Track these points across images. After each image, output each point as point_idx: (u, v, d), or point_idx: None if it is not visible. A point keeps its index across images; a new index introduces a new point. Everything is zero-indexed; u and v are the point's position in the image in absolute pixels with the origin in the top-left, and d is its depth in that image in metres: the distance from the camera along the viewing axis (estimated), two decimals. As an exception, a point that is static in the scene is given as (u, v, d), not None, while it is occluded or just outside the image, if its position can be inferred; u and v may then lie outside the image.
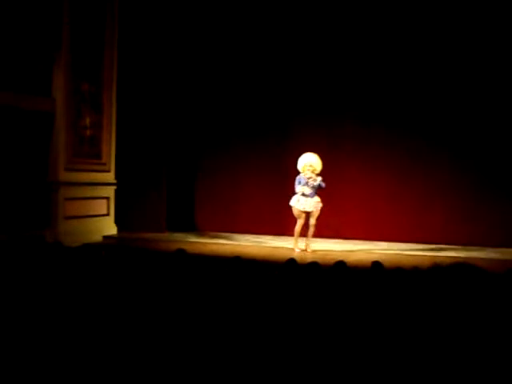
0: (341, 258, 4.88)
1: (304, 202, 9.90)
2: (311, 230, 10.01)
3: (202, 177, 12.55)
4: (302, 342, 3.32)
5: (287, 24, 11.86)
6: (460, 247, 10.48)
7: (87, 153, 11.36)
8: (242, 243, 10.81)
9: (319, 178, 9.93)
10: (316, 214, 9.97)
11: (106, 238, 11.22)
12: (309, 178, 9.90)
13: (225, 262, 4.53)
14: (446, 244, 10.72)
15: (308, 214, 9.95)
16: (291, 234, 11.62)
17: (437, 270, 3.00)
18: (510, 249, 10.28)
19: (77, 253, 4.89)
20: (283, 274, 4.30)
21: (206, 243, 10.68)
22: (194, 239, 11.15)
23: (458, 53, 10.98)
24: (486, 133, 10.85)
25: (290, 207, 10.11)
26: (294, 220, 11.78)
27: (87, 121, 11.30)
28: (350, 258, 8.93)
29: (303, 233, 10.10)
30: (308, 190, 9.88)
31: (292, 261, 4.90)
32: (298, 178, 10.00)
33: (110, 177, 11.88)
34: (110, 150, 11.83)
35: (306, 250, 9.97)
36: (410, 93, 11.27)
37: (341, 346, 3.19)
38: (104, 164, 11.77)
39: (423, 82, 11.19)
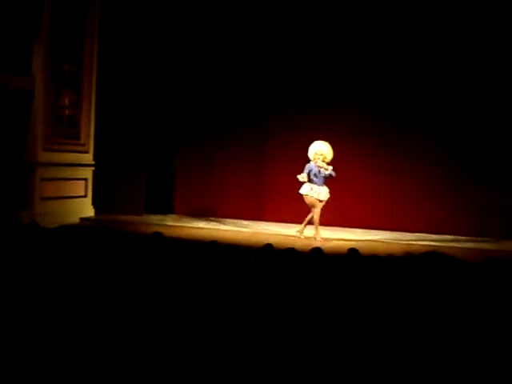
0: (318, 245, 4.92)
1: (318, 191, 9.78)
2: (311, 218, 9.89)
3: (181, 160, 12.52)
4: (276, 325, 3.33)
5: (269, 11, 11.80)
6: (437, 236, 10.55)
7: (66, 133, 11.26)
8: (220, 227, 10.81)
9: (330, 168, 9.81)
10: (324, 203, 9.86)
11: (83, 219, 11.16)
12: (320, 167, 9.79)
13: (201, 247, 4.53)
14: (424, 233, 10.78)
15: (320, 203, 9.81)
16: (269, 219, 11.64)
17: (409, 258, 3.05)
18: (488, 238, 10.39)
19: (53, 234, 4.86)
20: (259, 260, 4.31)
21: (183, 227, 10.67)
22: (171, 223, 11.13)
23: (449, 46, 10.98)
24: (470, 124, 10.85)
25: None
26: (273, 205, 11.79)
27: (66, 101, 11.19)
28: (327, 245, 8.99)
29: (300, 220, 10.06)
30: (318, 180, 9.77)
31: (269, 246, 4.91)
32: (308, 166, 9.87)
33: (88, 158, 11.80)
34: (88, 131, 11.73)
35: (300, 237, 9.86)
36: (395, 81, 11.26)
37: (316, 331, 3.21)
38: (82, 145, 11.68)
39: (409, 70, 11.17)
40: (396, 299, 3.13)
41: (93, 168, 11.81)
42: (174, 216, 12.02)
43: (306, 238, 9.89)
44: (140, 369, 3.07)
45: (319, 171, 9.81)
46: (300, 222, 10.10)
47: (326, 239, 9.76)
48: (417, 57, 11.14)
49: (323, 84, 11.59)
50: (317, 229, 9.87)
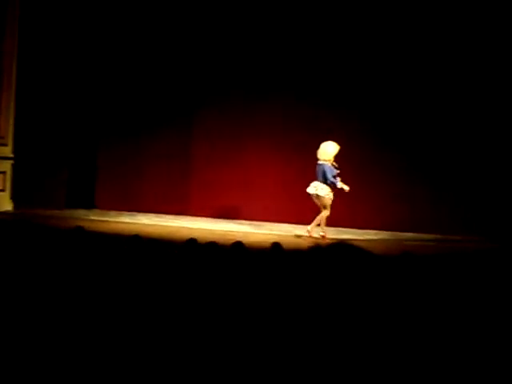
0: (243, 239, 4.98)
1: (331, 191, 9.74)
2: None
3: (105, 155, 12.35)
4: (200, 319, 3.36)
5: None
6: (361, 231, 10.72)
7: (-16, 126, 10.94)
8: (143, 222, 10.74)
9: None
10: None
11: (1, 213, 10.87)
12: (334, 168, 9.69)
13: (124, 241, 4.51)
14: (351, 228, 10.96)
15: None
16: (193, 214, 11.65)
17: (317, 249, 3.14)
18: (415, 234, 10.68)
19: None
20: (182, 254, 4.33)
21: (108, 221, 10.55)
22: (95, 217, 10.98)
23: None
24: (403, 117, 11.04)
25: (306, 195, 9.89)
26: (196, 199, 11.82)
27: (-16, 92, 10.86)
28: (252, 239, 9.06)
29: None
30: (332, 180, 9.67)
31: (192, 241, 4.93)
32: (329, 167, 9.64)
33: (7, 151, 11.49)
34: (7, 124, 11.42)
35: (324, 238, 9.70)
36: (315, 69, 11.31)
37: (236, 324, 3.25)
38: (2, 137, 11.36)
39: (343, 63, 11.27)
40: (303, 290, 3.22)
41: (12, 161, 11.51)
42: (97, 211, 11.86)
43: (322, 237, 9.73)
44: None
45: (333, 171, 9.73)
46: (223, 217, 10.14)
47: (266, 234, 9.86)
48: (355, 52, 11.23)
49: (248, 80, 11.64)
50: (323, 226, 9.82)
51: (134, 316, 3.26)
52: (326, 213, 9.75)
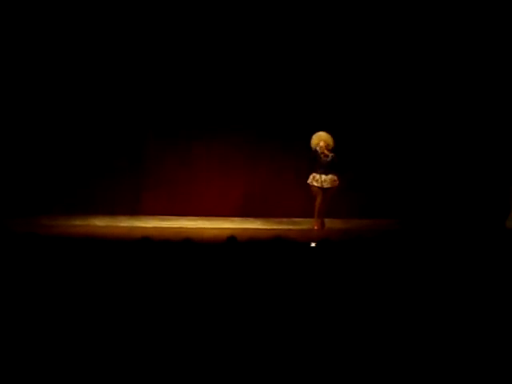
0: (196, 234, 5.03)
1: (319, 179, 10.01)
2: (324, 207, 10.13)
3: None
4: (157, 319, 3.39)
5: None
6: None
7: None
8: (96, 224, 10.64)
9: (331, 155, 10.02)
10: (332, 191, 10.09)
11: None
12: (321, 154, 9.98)
13: (77, 243, 4.50)
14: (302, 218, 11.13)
15: (325, 191, 10.04)
16: (147, 214, 11.62)
17: (254, 243, 3.25)
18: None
19: None
20: (136, 253, 4.35)
21: (59, 225, 10.40)
22: (46, 221, 10.79)
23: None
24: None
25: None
26: (151, 199, 11.82)
27: None
28: (206, 234, 9.11)
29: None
30: (322, 168, 10.00)
31: (146, 240, 4.96)
32: (312, 155, 10.11)
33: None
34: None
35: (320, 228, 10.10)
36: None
37: (193, 320, 3.30)
38: None
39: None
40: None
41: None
42: (48, 215, 11.60)
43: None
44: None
45: (321, 159, 10.01)
46: (176, 213, 10.18)
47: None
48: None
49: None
50: (316, 218, 10.13)
51: (89, 315, 3.28)
52: (317, 201, 10.12)
